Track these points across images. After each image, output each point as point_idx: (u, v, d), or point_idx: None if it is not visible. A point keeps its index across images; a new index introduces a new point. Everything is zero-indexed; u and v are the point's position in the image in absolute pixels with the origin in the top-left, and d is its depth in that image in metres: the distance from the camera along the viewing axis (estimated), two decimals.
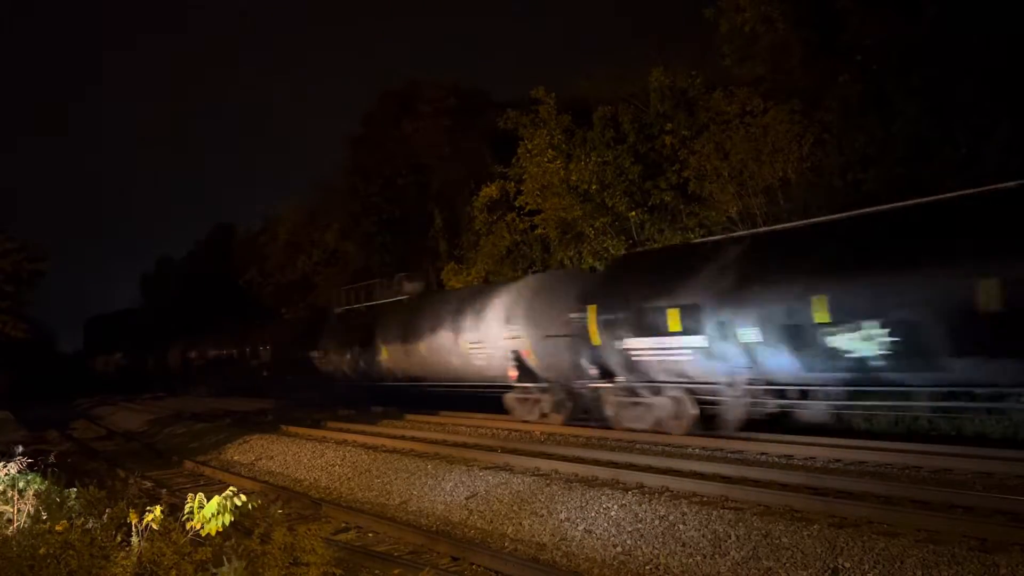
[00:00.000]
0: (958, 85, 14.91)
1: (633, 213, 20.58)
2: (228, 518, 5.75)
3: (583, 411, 15.76)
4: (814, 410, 12.33)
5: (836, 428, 12.91)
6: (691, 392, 13.25)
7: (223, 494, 5.88)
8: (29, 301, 22.77)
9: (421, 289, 24.39)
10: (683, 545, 7.95)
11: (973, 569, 6.35)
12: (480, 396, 20.09)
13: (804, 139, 17.60)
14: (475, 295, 19.33)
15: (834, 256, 11.19)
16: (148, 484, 13.37)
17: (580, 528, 8.94)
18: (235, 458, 16.60)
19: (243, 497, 5.87)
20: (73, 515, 7.33)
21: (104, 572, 5.78)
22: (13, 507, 7.58)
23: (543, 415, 16.62)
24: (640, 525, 8.56)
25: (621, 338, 13.86)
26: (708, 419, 13.15)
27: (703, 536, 7.99)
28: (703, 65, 20.51)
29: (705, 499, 9.00)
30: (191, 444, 19.24)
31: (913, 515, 7.68)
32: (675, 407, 13.43)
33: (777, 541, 7.48)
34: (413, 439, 15.70)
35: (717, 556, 7.64)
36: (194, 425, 22.30)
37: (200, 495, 5.93)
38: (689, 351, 12.75)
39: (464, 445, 14.24)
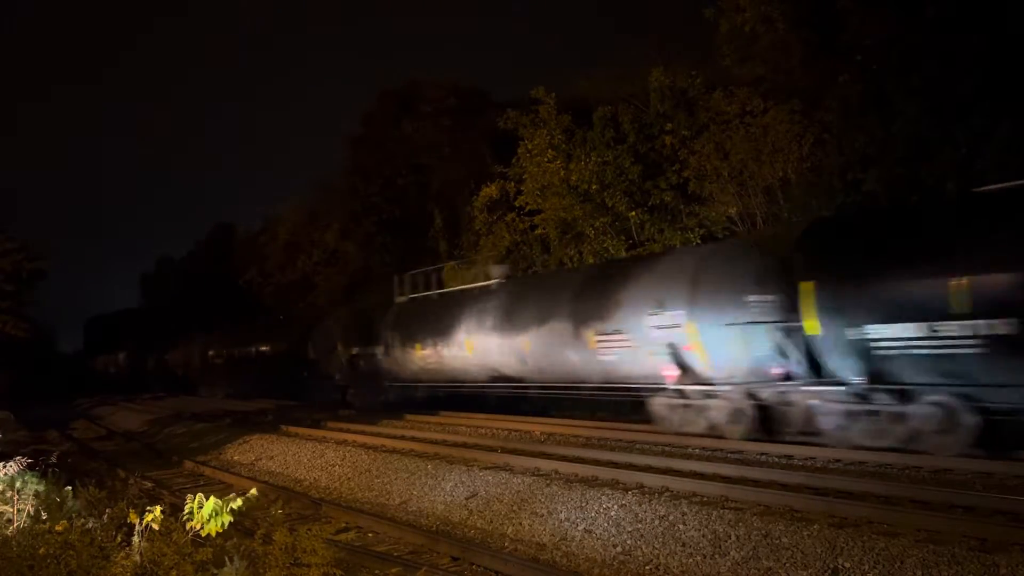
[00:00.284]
0: (958, 85, 14.89)
1: (633, 213, 20.57)
2: (227, 519, 5.75)
3: (773, 423, 12.40)
4: None
5: None
6: (967, 399, 10.04)
7: (225, 498, 5.88)
8: (29, 301, 22.82)
9: (507, 272, 20.60)
10: (683, 545, 7.96)
11: (973, 569, 6.35)
12: (481, 396, 20.02)
13: (804, 139, 17.61)
14: (605, 275, 15.78)
15: None
16: (148, 484, 13.39)
17: (580, 528, 8.95)
18: (235, 458, 16.61)
19: (239, 500, 5.87)
20: (73, 515, 7.33)
21: (104, 572, 5.77)
22: (13, 507, 7.57)
23: (711, 426, 13.12)
24: (640, 525, 8.56)
25: (859, 324, 10.76)
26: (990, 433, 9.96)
27: (703, 536, 7.99)
28: (703, 65, 20.50)
29: (705, 499, 9.00)
30: (191, 444, 19.26)
31: (913, 515, 7.67)
32: (942, 419, 10.23)
33: (777, 541, 7.49)
34: (413, 439, 15.71)
35: (717, 556, 7.64)
36: (194, 425, 22.30)
37: (200, 495, 5.93)
38: (981, 342, 9.57)
39: (464, 445, 14.25)
